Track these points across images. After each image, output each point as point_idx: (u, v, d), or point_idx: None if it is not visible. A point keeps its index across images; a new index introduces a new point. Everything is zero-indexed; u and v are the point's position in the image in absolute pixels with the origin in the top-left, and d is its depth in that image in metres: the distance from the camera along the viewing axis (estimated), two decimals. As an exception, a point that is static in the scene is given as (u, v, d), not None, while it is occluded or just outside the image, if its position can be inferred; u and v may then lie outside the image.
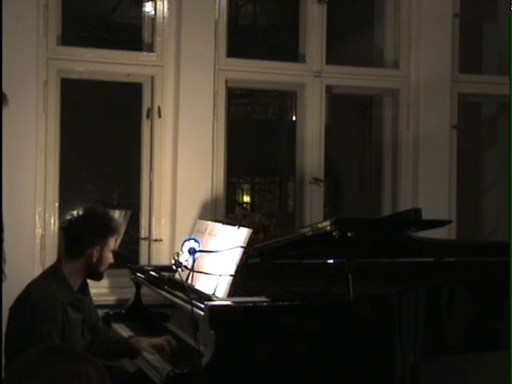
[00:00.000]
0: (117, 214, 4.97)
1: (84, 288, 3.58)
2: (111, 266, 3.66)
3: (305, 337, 3.25)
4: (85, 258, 3.46)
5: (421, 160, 5.27)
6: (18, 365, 1.71)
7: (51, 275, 3.47)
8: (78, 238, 3.48)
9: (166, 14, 4.88)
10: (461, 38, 5.42)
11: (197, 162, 4.82)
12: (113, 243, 3.54)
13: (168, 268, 3.89)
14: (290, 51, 5.41)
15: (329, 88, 5.26)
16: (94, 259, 3.47)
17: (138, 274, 4.23)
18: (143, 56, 4.90)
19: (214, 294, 3.39)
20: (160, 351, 3.50)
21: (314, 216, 5.10)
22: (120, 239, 3.75)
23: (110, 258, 3.54)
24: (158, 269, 4.19)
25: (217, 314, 3.15)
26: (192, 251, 3.42)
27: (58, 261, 3.56)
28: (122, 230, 3.67)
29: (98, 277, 3.57)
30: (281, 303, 3.30)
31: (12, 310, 3.39)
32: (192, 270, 3.45)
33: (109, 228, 3.52)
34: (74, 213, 3.59)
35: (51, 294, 3.34)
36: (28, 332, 3.22)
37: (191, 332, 3.18)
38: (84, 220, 3.53)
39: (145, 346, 3.54)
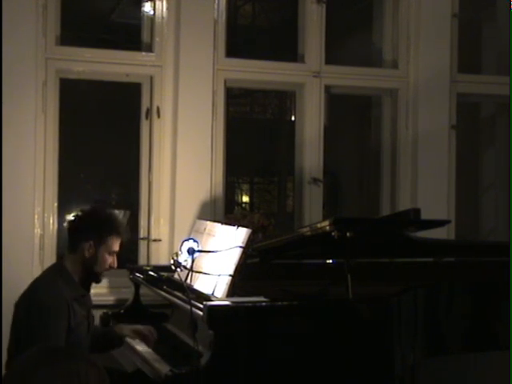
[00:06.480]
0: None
1: (88, 285, 3.58)
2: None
3: (303, 337, 3.25)
4: (80, 254, 3.46)
5: (420, 160, 5.27)
6: (17, 364, 1.71)
7: (57, 272, 3.46)
8: (75, 232, 3.51)
9: (164, 14, 4.88)
10: (460, 37, 5.42)
11: (196, 162, 4.82)
12: (112, 244, 3.50)
13: (167, 268, 3.88)
14: (289, 51, 5.41)
15: (328, 88, 5.26)
16: (87, 255, 3.44)
17: (137, 274, 4.23)
18: (142, 56, 4.90)
19: (212, 293, 3.39)
20: (143, 338, 3.61)
21: (313, 216, 5.10)
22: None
23: (109, 260, 3.50)
24: (157, 269, 4.19)
25: (216, 314, 3.14)
26: (191, 251, 3.41)
27: (62, 257, 3.57)
28: (125, 232, 3.64)
29: (94, 277, 3.53)
30: (280, 303, 3.29)
31: (17, 306, 3.38)
32: (191, 270, 3.44)
33: (106, 226, 3.50)
34: (81, 209, 3.66)
35: (58, 292, 3.33)
36: (35, 331, 3.22)
37: (190, 332, 3.18)
38: (82, 216, 3.57)
39: (127, 331, 3.64)
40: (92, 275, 3.53)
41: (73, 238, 3.51)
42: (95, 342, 3.61)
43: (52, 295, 3.32)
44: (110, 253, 3.50)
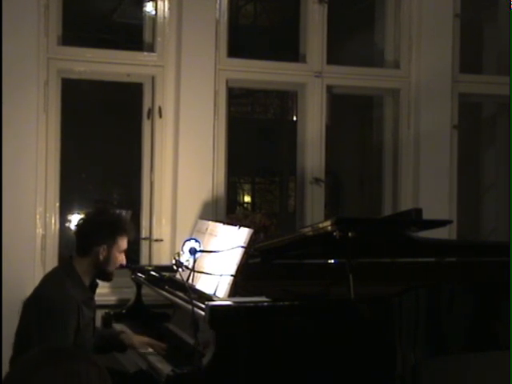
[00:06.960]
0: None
1: (94, 287, 3.59)
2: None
3: (305, 337, 3.25)
4: (92, 257, 3.47)
5: (421, 160, 5.27)
6: (18, 364, 1.71)
7: (66, 273, 3.47)
8: (86, 235, 3.51)
9: (166, 14, 4.88)
10: (461, 38, 5.42)
11: (197, 161, 4.82)
12: (123, 244, 3.53)
13: (169, 268, 3.88)
14: (291, 51, 5.41)
15: (329, 88, 5.26)
16: (101, 257, 3.47)
17: (139, 274, 4.23)
18: (144, 56, 4.90)
19: (214, 294, 3.39)
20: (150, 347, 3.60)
21: (315, 216, 5.10)
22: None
23: (119, 258, 3.53)
24: (159, 269, 4.19)
25: (217, 313, 3.15)
26: (193, 251, 3.42)
27: (70, 258, 3.55)
28: (132, 229, 3.65)
29: (106, 277, 3.56)
30: (281, 303, 3.30)
31: (27, 306, 3.39)
32: (193, 270, 3.45)
33: (117, 228, 3.52)
34: (87, 212, 3.64)
35: (67, 293, 3.35)
36: (44, 331, 3.22)
37: (192, 332, 3.19)
38: (93, 218, 3.58)
39: (136, 342, 3.62)
40: (105, 275, 3.55)
41: (84, 241, 3.50)
42: (97, 342, 3.62)
43: (62, 296, 3.33)
44: (120, 251, 3.54)
